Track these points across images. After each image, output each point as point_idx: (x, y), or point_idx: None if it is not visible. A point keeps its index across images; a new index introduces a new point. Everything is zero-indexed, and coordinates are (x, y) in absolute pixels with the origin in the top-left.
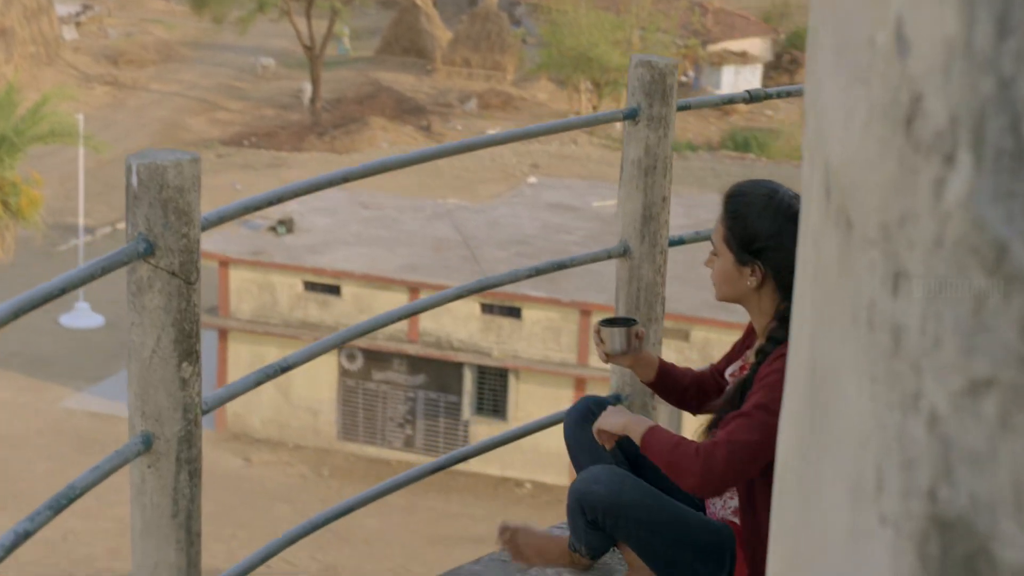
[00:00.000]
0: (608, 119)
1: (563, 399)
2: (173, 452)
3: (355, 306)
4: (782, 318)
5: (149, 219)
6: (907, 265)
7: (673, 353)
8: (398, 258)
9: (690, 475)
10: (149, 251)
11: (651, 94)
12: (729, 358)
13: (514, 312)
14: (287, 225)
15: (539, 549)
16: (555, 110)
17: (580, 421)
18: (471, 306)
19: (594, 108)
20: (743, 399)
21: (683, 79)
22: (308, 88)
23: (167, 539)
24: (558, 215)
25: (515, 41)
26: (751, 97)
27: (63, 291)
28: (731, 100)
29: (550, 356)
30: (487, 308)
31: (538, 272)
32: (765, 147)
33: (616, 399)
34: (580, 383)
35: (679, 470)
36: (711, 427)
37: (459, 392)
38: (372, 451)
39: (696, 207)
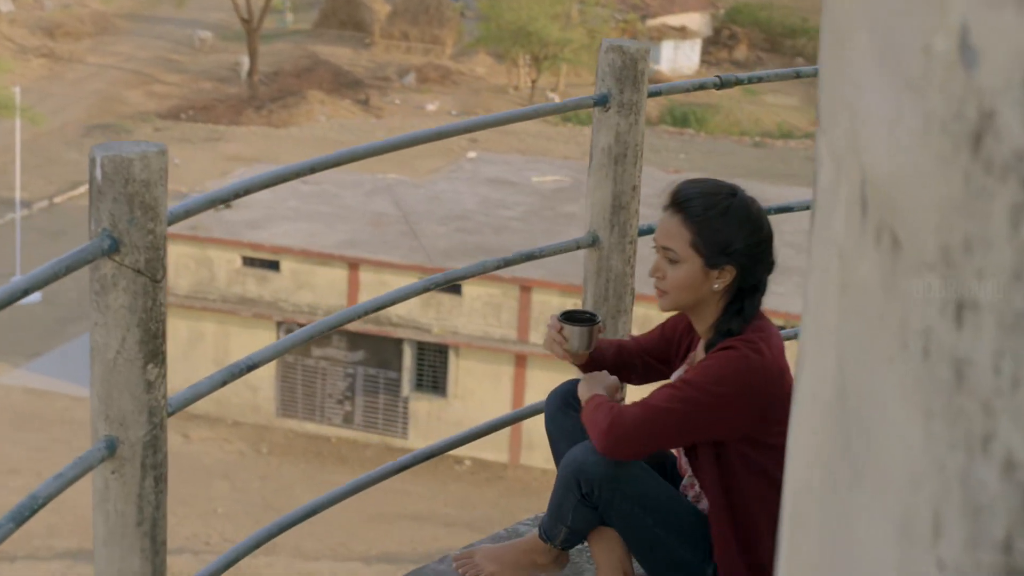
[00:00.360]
0: (578, 106)
1: (503, 376)
2: (138, 458)
3: (294, 281)
4: (736, 312)
5: (114, 214)
6: (975, 295)
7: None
8: (337, 233)
9: (598, 429)
10: (114, 248)
11: (622, 80)
12: (666, 341)
13: (454, 288)
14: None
15: (503, 560)
16: (494, 84)
17: (561, 407)
18: (410, 281)
19: (533, 82)
20: None
21: None
22: (246, 61)
23: (131, 548)
24: (497, 190)
25: (453, 15)
26: (722, 83)
27: (26, 292)
28: (702, 86)
29: (490, 332)
30: None
31: (507, 263)
32: (704, 122)
33: None
34: (521, 359)
35: (591, 424)
36: None
37: (399, 368)
38: (311, 428)
39: None
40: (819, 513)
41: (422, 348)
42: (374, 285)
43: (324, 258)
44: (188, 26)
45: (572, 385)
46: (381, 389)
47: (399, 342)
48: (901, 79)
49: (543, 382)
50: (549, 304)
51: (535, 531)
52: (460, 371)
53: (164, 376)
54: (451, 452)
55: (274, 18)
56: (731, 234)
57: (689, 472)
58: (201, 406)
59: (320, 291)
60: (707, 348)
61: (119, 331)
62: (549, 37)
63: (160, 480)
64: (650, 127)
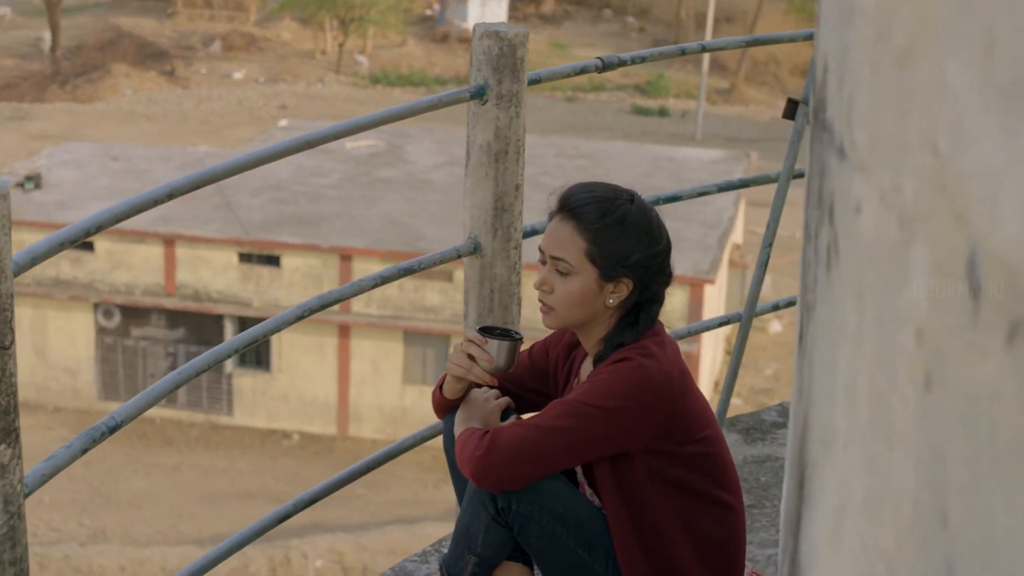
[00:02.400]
0: (453, 100)
1: (327, 347)
2: None
3: (109, 261)
4: (630, 324)
5: None
6: None
7: (438, 295)
8: (151, 210)
9: (468, 454)
10: None
11: (500, 69)
12: (539, 370)
13: (273, 260)
14: (35, 180)
15: None
16: (300, 50)
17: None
18: (228, 256)
19: (340, 46)
20: None
21: (428, 12)
22: (47, 36)
23: None
24: (311, 158)
25: None
26: (604, 65)
27: None
28: (583, 70)
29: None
30: (245, 258)
31: (384, 280)
32: None
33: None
34: (344, 330)
35: (461, 450)
36: None
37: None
38: None
39: (450, 143)
40: None
41: (243, 323)
42: (191, 261)
43: (139, 236)
44: None
45: None
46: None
47: (219, 318)
48: None
49: (367, 351)
50: (371, 272)
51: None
52: (283, 345)
53: (19, 457)
54: (278, 427)
55: None
56: (629, 245)
57: (586, 485)
58: (20, 392)
59: (136, 270)
60: (596, 362)
61: None
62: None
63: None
64: (460, 85)
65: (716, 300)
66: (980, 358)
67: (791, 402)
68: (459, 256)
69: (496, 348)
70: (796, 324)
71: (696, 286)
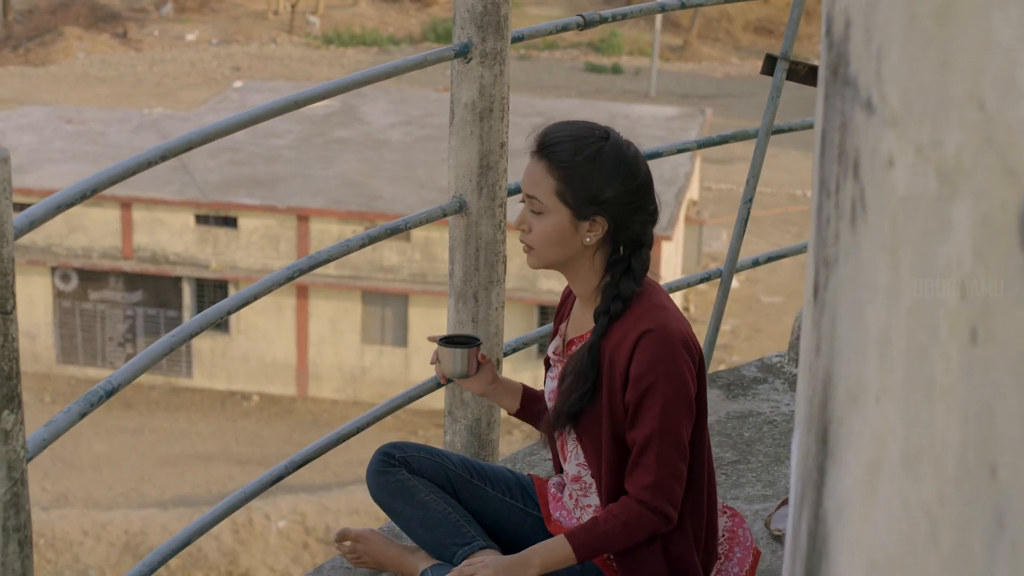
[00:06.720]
0: (437, 58)
1: (286, 308)
2: None
3: (66, 225)
4: (625, 271)
5: None
6: None
7: (396, 255)
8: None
9: (646, 524)
10: None
11: (483, 27)
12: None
13: (230, 222)
14: None
15: (380, 557)
16: (252, 10)
17: (382, 469)
18: (185, 218)
19: (292, 7)
20: (593, 375)
21: None
22: None
23: None
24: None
25: None
26: (586, 22)
27: None
28: (565, 28)
29: (269, 264)
30: (202, 219)
31: (371, 240)
32: None
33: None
34: (302, 291)
35: (632, 533)
36: (558, 420)
37: (179, 307)
38: (93, 373)
39: (405, 103)
40: None
41: (201, 285)
42: (148, 223)
43: (95, 198)
44: None
45: (390, 446)
46: (162, 329)
47: (177, 280)
48: None
49: (326, 311)
50: (329, 232)
51: None
52: None
53: (22, 422)
54: (238, 388)
55: None
56: (601, 181)
57: (577, 461)
58: None
59: (93, 233)
60: (604, 315)
61: None
62: None
63: (25, 543)
64: (414, 45)
65: (674, 256)
66: None
67: (803, 357)
68: (445, 215)
69: (446, 355)
70: (809, 279)
71: (654, 242)
